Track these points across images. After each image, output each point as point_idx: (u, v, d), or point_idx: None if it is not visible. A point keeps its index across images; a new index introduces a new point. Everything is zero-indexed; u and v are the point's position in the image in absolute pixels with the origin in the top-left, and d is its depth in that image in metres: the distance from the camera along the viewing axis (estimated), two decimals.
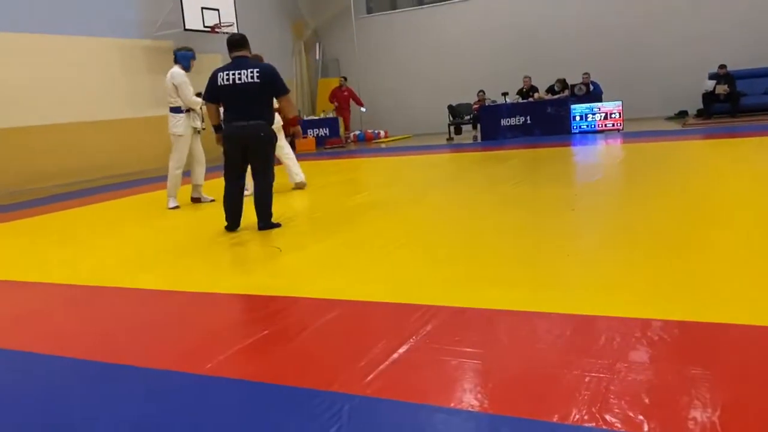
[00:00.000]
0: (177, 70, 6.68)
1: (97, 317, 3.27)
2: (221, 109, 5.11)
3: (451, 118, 14.65)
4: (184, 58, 6.75)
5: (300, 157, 13.19)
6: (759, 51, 13.28)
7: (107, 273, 4.14)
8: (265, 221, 5.07)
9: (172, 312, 3.27)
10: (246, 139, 4.90)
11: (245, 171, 5.17)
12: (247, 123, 4.85)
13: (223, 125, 5.01)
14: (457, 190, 6.71)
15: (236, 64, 4.89)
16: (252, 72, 4.81)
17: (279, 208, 5.45)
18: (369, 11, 18.15)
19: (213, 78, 4.94)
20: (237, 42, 4.97)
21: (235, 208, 5.09)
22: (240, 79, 4.80)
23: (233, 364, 2.42)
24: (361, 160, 11.58)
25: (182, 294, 3.51)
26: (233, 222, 5.10)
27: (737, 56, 13.21)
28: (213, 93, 4.97)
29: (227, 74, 4.84)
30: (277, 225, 5.11)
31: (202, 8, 13.20)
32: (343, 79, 16.18)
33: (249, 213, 5.17)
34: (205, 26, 13.14)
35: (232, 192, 5.08)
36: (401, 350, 2.37)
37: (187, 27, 12.65)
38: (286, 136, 7.37)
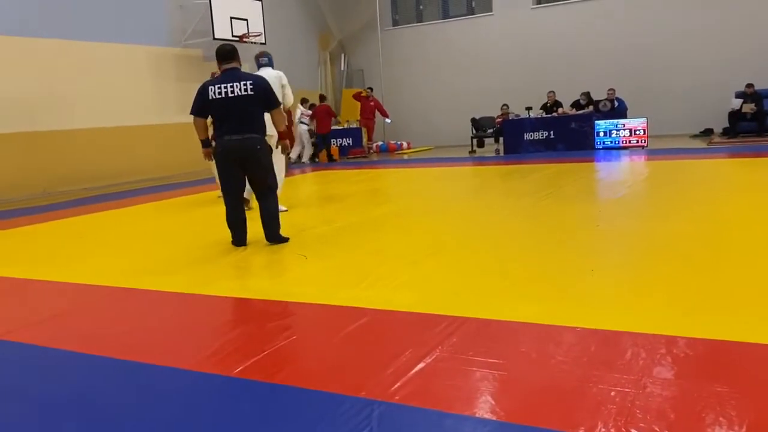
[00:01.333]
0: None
1: (129, 319, 3.36)
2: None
3: (474, 131, 14.70)
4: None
5: (323, 166, 13.43)
6: None
7: (138, 275, 4.23)
8: (275, 234, 4.92)
9: (201, 315, 3.35)
10: (243, 152, 4.73)
11: (245, 185, 4.99)
12: (242, 137, 4.68)
13: (214, 140, 4.80)
14: (480, 202, 6.75)
15: (228, 76, 4.73)
16: (245, 84, 4.67)
17: (303, 218, 5.53)
18: (395, 23, 18.31)
19: (203, 91, 4.73)
20: (227, 53, 4.80)
21: (242, 226, 4.93)
22: (233, 91, 4.64)
23: (262, 367, 2.48)
24: (384, 170, 11.65)
25: (211, 298, 3.58)
26: (241, 239, 4.92)
27: (765, 75, 13.10)
28: (203, 107, 4.76)
29: (219, 87, 4.65)
30: (286, 239, 4.95)
31: (231, 18, 13.47)
32: (369, 89, 16.31)
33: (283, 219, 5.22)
34: (233, 35, 13.36)
35: (236, 212, 4.91)
36: (428, 359, 2.41)
37: (216, 36, 12.89)
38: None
